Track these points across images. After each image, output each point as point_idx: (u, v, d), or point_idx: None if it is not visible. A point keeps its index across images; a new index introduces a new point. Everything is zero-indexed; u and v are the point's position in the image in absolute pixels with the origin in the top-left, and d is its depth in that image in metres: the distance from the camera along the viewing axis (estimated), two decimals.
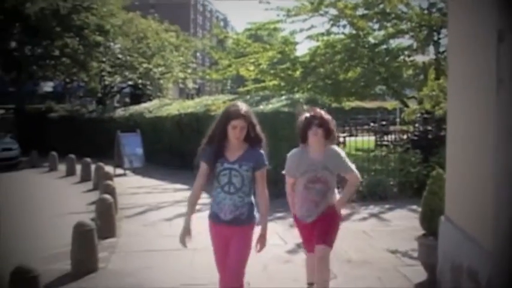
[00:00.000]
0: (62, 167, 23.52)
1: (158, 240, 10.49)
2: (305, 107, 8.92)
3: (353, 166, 6.46)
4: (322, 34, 21.85)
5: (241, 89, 28.18)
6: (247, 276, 8.04)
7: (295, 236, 10.24)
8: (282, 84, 23.38)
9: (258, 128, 5.66)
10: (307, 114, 6.47)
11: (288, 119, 14.52)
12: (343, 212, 12.42)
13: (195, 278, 8.18)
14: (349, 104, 27.60)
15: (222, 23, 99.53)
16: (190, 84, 50.82)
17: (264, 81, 25.11)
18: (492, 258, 4.93)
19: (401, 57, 22.28)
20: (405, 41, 22.51)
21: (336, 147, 6.50)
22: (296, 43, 24.40)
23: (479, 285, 5.39)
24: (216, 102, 21.19)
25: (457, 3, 4.75)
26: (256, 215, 5.74)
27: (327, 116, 6.42)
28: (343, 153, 6.46)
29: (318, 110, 6.58)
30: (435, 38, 21.06)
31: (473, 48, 4.74)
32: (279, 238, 10.32)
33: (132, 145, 22.03)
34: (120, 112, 30.73)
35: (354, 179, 6.47)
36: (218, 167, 5.58)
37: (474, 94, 5.55)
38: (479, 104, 5.16)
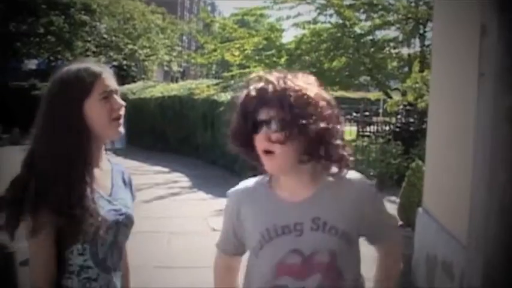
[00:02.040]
0: None
1: (136, 221, 10.47)
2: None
3: (394, 221, 3.17)
4: (309, 22, 21.81)
5: (225, 74, 28.13)
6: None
7: None
8: (267, 70, 23.34)
9: None
10: (251, 88, 2.44)
11: None
12: None
13: (170, 260, 8.18)
14: (333, 93, 27.56)
15: (209, 8, 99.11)
16: (175, 67, 50.84)
17: (248, 67, 25.07)
18: (466, 252, 4.97)
19: (387, 48, 22.32)
20: (391, 32, 22.55)
21: (355, 175, 2.49)
22: (282, 30, 24.40)
23: (453, 277, 5.44)
24: (200, 86, 21.11)
25: None
26: None
27: (308, 90, 2.36)
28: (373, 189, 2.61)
29: (282, 75, 2.51)
30: (421, 31, 21.08)
31: (456, 42, 4.78)
32: None
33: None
34: None
35: (394, 252, 2.71)
36: None
37: (456, 88, 5.58)
38: (460, 98, 5.18)
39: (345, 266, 2.31)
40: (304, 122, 2.20)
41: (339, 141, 2.30)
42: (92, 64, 2.57)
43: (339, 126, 2.33)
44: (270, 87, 2.30)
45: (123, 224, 2.62)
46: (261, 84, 2.36)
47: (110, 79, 2.56)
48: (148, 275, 7.44)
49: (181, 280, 7.36)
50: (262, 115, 2.26)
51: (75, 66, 2.54)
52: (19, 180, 2.44)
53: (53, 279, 2.43)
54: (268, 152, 2.27)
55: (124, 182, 2.79)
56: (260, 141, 2.28)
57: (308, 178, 2.36)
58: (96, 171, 2.56)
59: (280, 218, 2.35)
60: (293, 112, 2.20)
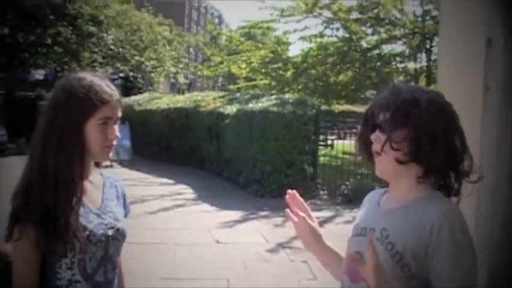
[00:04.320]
0: None
1: (140, 233, 10.50)
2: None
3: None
4: (316, 36, 21.87)
5: (232, 86, 28.16)
6: (227, 273, 8.10)
7: (277, 235, 10.29)
8: (273, 83, 23.43)
9: None
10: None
11: (277, 118, 14.55)
12: (326, 214, 12.45)
13: (175, 271, 8.17)
14: (339, 107, 27.65)
15: (216, 20, 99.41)
16: (181, 79, 50.87)
17: (255, 79, 25.12)
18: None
19: (393, 63, 22.35)
20: (397, 47, 22.63)
21: (445, 204, 2.21)
22: (289, 43, 24.54)
23: None
24: (206, 99, 21.15)
25: (447, 11, 4.79)
26: None
27: (427, 103, 2.22)
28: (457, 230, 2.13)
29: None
30: (427, 46, 21.12)
31: (462, 56, 4.78)
32: (261, 236, 10.32)
33: (120, 137, 21.89)
34: None
35: None
36: None
37: (461, 102, 5.57)
38: (466, 112, 5.18)
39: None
40: (405, 122, 2.19)
41: (445, 149, 2.20)
42: (104, 82, 2.55)
43: (453, 137, 2.24)
44: (388, 92, 2.32)
45: (113, 238, 2.57)
46: (386, 90, 2.36)
47: (115, 107, 2.55)
48: (153, 286, 7.44)
49: None
50: (378, 118, 2.30)
51: (88, 79, 2.52)
52: (15, 190, 2.45)
53: None
54: (377, 154, 2.30)
55: (117, 195, 2.76)
56: (373, 144, 2.31)
57: (406, 189, 2.30)
58: (87, 185, 2.56)
59: (366, 220, 2.44)
60: (396, 112, 2.21)
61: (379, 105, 2.30)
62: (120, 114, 2.59)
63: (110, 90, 2.53)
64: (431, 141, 2.16)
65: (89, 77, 2.54)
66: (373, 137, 2.29)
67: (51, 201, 2.37)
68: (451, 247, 2.10)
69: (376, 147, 2.28)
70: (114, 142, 2.58)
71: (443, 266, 2.10)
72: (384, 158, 2.25)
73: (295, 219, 2.55)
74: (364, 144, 2.40)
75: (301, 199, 2.64)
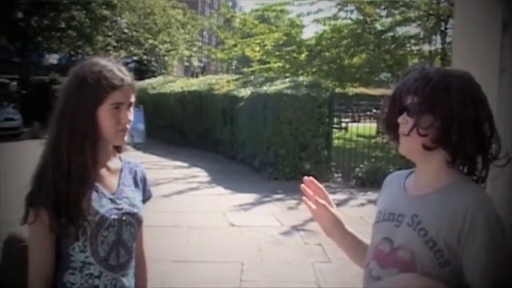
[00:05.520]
0: None
1: (154, 216, 10.52)
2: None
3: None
4: (329, 18, 21.80)
5: (246, 69, 28.13)
6: (241, 257, 8.12)
7: (292, 218, 10.29)
8: (287, 66, 23.40)
9: None
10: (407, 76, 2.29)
11: (291, 101, 14.52)
12: (340, 197, 12.44)
13: (188, 254, 8.20)
14: (353, 90, 27.59)
15: (230, 3, 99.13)
16: (195, 63, 50.88)
17: (269, 62, 25.08)
18: None
19: (408, 45, 22.23)
20: (412, 29, 22.49)
21: (479, 193, 2.18)
22: (303, 26, 24.48)
23: None
24: (220, 82, 21.14)
25: None
26: None
27: (458, 92, 2.16)
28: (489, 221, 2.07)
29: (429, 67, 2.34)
30: (442, 28, 20.99)
31: (477, 38, 4.74)
32: (275, 219, 10.33)
33: (133, 120, 21.82)
34: None
35: None
36: None
37: None
38: None
39: (425, 272, 2.13)
40: (434, 108, 2.15)
41: (473, 135, 2.16)
42: (117, 67, 2.54)
43: (482, 124, 2.18)
44: (416, 75, 2.25)
45: (127, 223, 2.58)
46: (416, 72, 2.29)
47: (127, 91, 2.54)
48: (166, 269, 7.48)
49: (199, 274, 7.39)
50: (406, 101, 2.24)
51: (99, 65, 2.51)
52: (32, 175, 2.48)
53: (48, 273, 2.48)
54: (402, 135, 2.26)
55: (135, 181, 2.77)
56: (400, 125, 2.27)
57: (434, 174, 2.26)
58: (103, 171, 2.58)
59: (392, 205, 2.37)
60: (425, 98, 2.17)
61: (408, 88, 2.24)
62: (133, 98, 2.58)
63: (122, 74, 2.52)
64: (459, 129, 2.13)
65: (101, 62, 2.54)
66: (400, 119, 2.24)
67: (63, 186, 2.41)
68: (486, 238, 2.05)
69: (403, 129, 2.24)
70: (128, 126, 2.57)
71: (476, 257, 2.05)
72: (412, 141, 2.22)
73: (313, 206, 2.50)
74: (391, 126, 2.36)
75: (320, 185, 2.58)
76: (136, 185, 2.75)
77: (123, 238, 2.57)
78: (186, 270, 7.57)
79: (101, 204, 2.50)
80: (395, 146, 2.40)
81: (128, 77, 2.55)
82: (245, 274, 7.47)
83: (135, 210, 2.63)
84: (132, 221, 2.60)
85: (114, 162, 2.68)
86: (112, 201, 2.56)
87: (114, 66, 2.53)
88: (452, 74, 2.25)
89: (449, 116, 2.13)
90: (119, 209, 2.56)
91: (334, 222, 2.53)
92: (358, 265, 2.55)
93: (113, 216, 2.52)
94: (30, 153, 2.55)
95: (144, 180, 2.83)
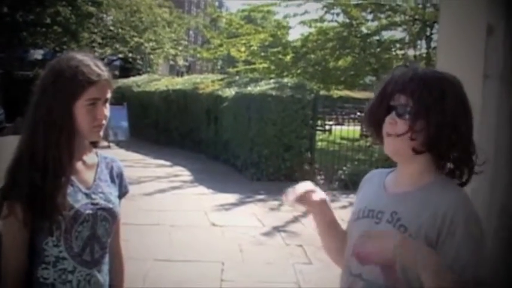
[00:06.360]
0: None
1: (136, 214, 10.49)
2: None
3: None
4: (316, 20, 21.86)
5: (231, 70, 28.14)
6: (222, 257, 8.12)
7: (273, 219, 10.31)
8: (272, 67, 23.44)
9: None
10: (396, 73, 2.28)
11: (276, 102, 14.54)
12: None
13: (170, 253, 8.18)
14: (338, 92, 27.69)
15: (216, 3, 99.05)
16: (180, 62, 50.71)
17: (254, 63, 25.12)
18: None
19: (393, 49, 22.35)
20: (398, 33, 22.64)
21: (460, 193, 2.23)
22: (289, 27, 24.54)
23: None
24: (205, 81, 21.10)
25: None
26: None
27: (446, 87, 2.20)
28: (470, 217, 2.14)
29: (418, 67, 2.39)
30: (428, 33, 21.10)
31: (462, 43, 4.77)
32: (257, 220, 10.34)
33: (117, 118, 21.68)
34: None
35: None
36: None
37: None
38: None
39: (405, 268, 2.10)
40: (428, 114, 2.14)
41: (462, 142, 2.20)
42: (93, 62, 2.53)
43: (465, 128, 2.21)
44: (410, 74, 2.22)
45: (102, 218, 2.56)
46: (405, 70, 2.28)
47: (104, 87, 2.52)
48: (148, 268, 7.45)
49: (181, 273, 7.37)
50: (397, 100, 2.21)
51: (76, 59, 2.50)
52: (7, 169, 2.46)
53: (21, 267, 2.45)
54: (389, 135, 2.24)
55: (112, 176, 2.74)
56: (386, 124, 2.24)
57: (417, 174, 2.27)
58: (79, 165, 2.57)
59: (372, 203, 2.38)
60: (421, 103, 2.15)
61: (401, 87, 2.21)
62: (109, 94, 2.55)
63: (98, 70, 2.51)
64: (450, 136, 2.16)
65: (78, 57, 2.53)
66: (388, 119, 2.22)
67: (38, 180, 2.39)
68: (465, 238, 2.08)
69: (390, 129, 2.22)
70: (104, 122, 2.54)
71: (456, 255, 2.06)
72: (400, 143, 2.20)
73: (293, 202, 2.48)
74: (376, 122, 2.32)
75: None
76: (112, 180, 2.73)
77: (98, 233, 2.55)
78: (167, 269, 7.54)
79: (76, 198, 2.49)
80: (373, 140, 2.42)
81: (104, 72, 2.53)
82: (226, 274, 7.47)
83: (110, 206, 2.62)
84: (107, 217, 2.59)
85: (90, 157, 2.66)
86: (87, 196, 2.54)
87: (90, 61, 2.52)
88: (447, 79, 2.24)
89: (442, 122, 2.13)
90: (94, 204, 2.54)
91: (321, 198, 2.57)
92: (335, 262, 2.57)
93: (88, 211, 2.50)
94: (12, 149, 2.54)
95: (120, 175, 2.80)
